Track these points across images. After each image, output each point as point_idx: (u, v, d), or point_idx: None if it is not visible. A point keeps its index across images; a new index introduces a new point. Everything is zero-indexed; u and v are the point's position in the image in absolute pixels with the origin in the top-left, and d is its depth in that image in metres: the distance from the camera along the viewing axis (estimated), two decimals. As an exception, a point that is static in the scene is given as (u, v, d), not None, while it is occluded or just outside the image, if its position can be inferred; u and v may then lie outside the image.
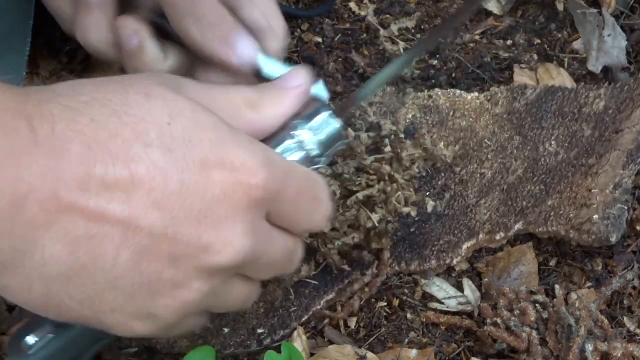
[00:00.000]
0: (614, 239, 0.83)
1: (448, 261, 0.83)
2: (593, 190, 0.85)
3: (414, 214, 0.77)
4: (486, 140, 0.89)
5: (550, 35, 1.02)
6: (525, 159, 0.88)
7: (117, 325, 0.51)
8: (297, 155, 0.60)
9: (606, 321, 0.78)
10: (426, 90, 0.92)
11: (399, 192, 0.75)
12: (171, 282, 0.50)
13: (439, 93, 0.92)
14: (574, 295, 0.82)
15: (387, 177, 0.75)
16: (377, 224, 0.74)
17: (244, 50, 0.61)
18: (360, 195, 0.74)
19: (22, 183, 0.44)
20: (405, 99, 0.91)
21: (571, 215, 0.84)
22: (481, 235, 0.84)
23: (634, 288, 0.84)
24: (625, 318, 0.82)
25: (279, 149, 0.59)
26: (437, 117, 0.90)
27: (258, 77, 0.62)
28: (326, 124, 0.61)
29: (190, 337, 0.76)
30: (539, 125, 0.90)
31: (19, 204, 0.44)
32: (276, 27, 0.63)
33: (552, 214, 0.84)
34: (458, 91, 0.93)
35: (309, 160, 0.60)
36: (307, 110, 0.61)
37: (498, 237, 0.85)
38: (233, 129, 0.52)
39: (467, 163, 0.88)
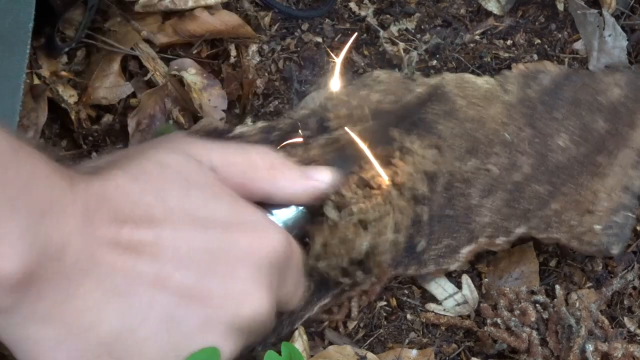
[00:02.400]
0: (615, 250, 0.81)
1: (445, 266, 0.81)
2: (599, 194, 0.82)
3: (401, 240, 0.76)
4: (494, 133, 0.84)
5: (550, 35, 1.02)
6: (533, 154, 0.83)
7: None
8: None
9: (606, 321, 0.78)
10: (433, 73, 0.89)
11: (393, 215, 0.74)
12: (203, 342, 0.52)
13: (447, 78, 0.86)
14: (574, 295, 0.82)
15: (387, 196, 0.73)
16: (367, 249, 0.73)
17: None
18: (354, 208, 0.71)
19: (61, 237, 0.48)
20: (412, 86, 0.85)
21: (573, 222, 0.81)
22: (481, 239, 0.81)
23: (634, 288, 0.84)
24: (625, 318, 0.82)
25: None
26: (444, 106, 0.84)
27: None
28: (294, 212, 0.67)
29: None
30: (550, 116, 0.85)
31: (61, 254, 0.48)
32: None
33: (555, 219, 0.81)
34: (467, 75, 0.88)
35: None
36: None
37: (498, 242, 0.82)
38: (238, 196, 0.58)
39: (472, 157, 0.83)
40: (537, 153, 0.84)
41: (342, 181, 0.69)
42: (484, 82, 0.87)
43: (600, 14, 1.00)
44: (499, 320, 0.77)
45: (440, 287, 0.83)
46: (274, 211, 0.64)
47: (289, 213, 0.66)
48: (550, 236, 0.82)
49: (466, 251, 0.81)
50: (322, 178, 0.65)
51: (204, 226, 0.52)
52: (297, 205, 0.66)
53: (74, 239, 0.47)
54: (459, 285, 0.84)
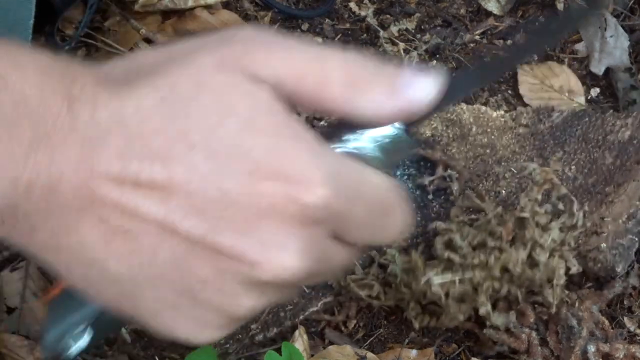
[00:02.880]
0: (619, 269, 0.82)
1: None
2: (606, 219, 0.84)
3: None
4: (505, 160, 0.88)
5: (550, 36, 1.02)
6: None
7: (164, 328, 0.48)
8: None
9: (607, 322, 0.78)
10: (451, 104, 0.92)
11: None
12: (218, 293, 0.46)
13: (464, 107, 0.91)
14: (574, 296, 0.82)
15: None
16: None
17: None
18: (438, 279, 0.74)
19: (56, 169, 0.43)
20: None
21: (580, 241, 0.83)
22: None
23: (634, 288, 0.84)
24: (625, 318, 0.82)
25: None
26: (458, 131, 0.89)
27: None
28: (390, 130, 0.49)
29: None
30: (560, 149, 0.89)
31: (53, 188, 0.43)
32: None
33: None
34: (483, 107, 0.92)
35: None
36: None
37: None
38: (300, 132, 0.45)
39: (483, 180, 0.87)
40: None
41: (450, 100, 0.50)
42: (498, 115, 0.91)
43: (602, 14, 1.00)
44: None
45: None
46: (365, 133, 0.49)
47: (384, 134, 0.49)
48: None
49: None
50: (419, 94, 0.48)
51: (226, 170, 0.44)
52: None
53: (69, 174, 0.43)
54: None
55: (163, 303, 0.47)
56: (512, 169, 0.87)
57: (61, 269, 0.46)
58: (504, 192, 0.86)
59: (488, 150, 0.88)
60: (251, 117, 0.44)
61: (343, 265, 0.49)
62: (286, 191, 0.44)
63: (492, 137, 0.89)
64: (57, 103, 0.43)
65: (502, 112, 0.92)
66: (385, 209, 0.48)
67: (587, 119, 0.91)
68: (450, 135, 0.88)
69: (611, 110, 0.95)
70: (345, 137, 0.49)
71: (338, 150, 0.49)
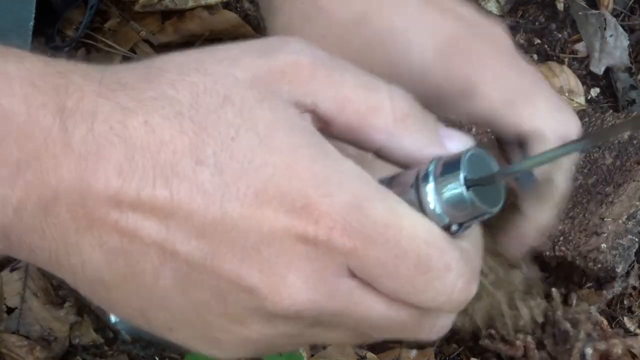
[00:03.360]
0: (619, 269, 0.82)
1: None
2: (606, 219, 0.84)
3: None
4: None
5: (550, 35, 1.02)
6: None
7: (181, 343, 0.46)
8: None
9: (605, 322, 0.78)
10: None
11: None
12: (224, 316, 0.44)
13: None
14: (573, 295, 0.82)
15: None
16: None
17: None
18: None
19: (48, 189, 0.41)
20: None
21: (580, 241, 0.83)
22: None
23: (634, 288, 0.84)
24: (625, 318, 0.81)
25: None
26: None
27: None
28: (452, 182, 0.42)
29: None
30: None
31: (47, 209, 0.41)
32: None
33: (562, 238, 0.84)
34: None
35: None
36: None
37: None
38: (325, 154, 0.42)
39: None
40: None
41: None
42: None
43: (602, 14, 1.00)
44: (492, 331, 0.77)
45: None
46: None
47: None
48: (557, 254, 0.84)
49: None
50: (456, 146, 0.45)
51: (231, 189, 0.41)
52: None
53: (63, 194, 0.40)
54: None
55: (173, 323, 0.45)
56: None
57: (69, 282, 0.45)
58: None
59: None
60: (270, 134, 0.41)
61: (381, 318, 0.44)
62: (289, 219, 0.41)
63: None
64: (46, 118, 0.41)
65: None
66: (422, 265, 0.42)
67: (586, 119, 0.91)
68: None
69: (611, 111, 0.95)
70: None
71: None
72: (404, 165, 0.45)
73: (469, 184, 0.42)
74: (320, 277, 0.42)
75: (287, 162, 0.41)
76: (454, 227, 0.43)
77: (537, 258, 0.85)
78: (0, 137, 0.40)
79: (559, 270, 0.86)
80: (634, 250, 0.84)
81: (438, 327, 0.45)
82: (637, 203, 0.85)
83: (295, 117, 0.42)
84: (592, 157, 0.89)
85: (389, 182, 0.44)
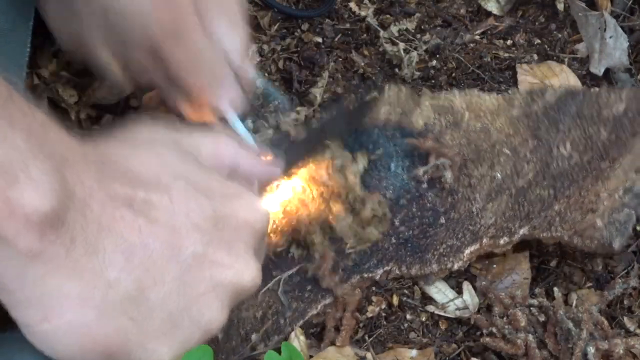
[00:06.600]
0: (616, 245, 0.82)
1: (449, 265, 0.82)
2: (601, 194, 0.83)
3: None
4: (500, 143, 0.87)
5: (550, 35, 1.02)
6: (537, 161, 0.86)
7: (150, 355, 0.52)
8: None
9: (606, 322, 0.78)
10: (443, 92, 0.91)
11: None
12: (208, 308, 0.53)
13: (456, 93, 0.90)
14: (573, 295, 0.82)
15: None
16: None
17: (228, 105, 0.69)
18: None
19: (83, 187, 0.47)
20: (421, 100, 0.89)
21: (576, 220, 0.82)
22: (484, 240, 0.82)
23: (634, 288, 0.84)
24: (625, 318, 0.81)
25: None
26: (451, 118, 0.88)
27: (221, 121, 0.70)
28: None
29: None
30: (555, 128, 0.88)
31: (83, 206, 0.46)
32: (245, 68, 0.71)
33: (557, 219, 0.83)
34: (476, 91, 0.91)
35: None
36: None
37: (502, 242, 0.83)
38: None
39: (478, 165, 0.86)
40: (541, 161, 0.87)
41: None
42: (491, 98, 0.90)
43: (602, 15, 1.00)
44: (494, 330, 0.77)
45: (441, 293, 0.83)
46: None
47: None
48: (553, 235, 0.83)
49: (469, 251, 0.82)
50: (275, 167, 0.68)
51: (207, 195, 0.53)
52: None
53: (95, 193, 0.47)
54: (459, 290, 0.84)
55: (166, 328, 0.51)
56: (507, 151, 0.87)
57: (77, 300, 0.48)
58: (499, 175, 0.86)
59: (482, 135, 0.87)
60: (195, 159, 0.57)
61: None
62: (251, 209, 0.56)
63: (486, 121, 0.88)
64: (71, 136, 0.49)
65: (495, 95, 0.91)
66: None
67: (581, 95, 0.90)
68: (443, 123, 0.88)
69: (605, 84, 0.95)
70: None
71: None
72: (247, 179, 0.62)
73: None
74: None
75: (219, 176, 0.58)
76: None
77: (535, 242, 0.85)
78: (47, 137, 0.47)
79: (559, 271, 0.86)
80: (630, 225, 0.83)
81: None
82: (634, 176, 0.84)
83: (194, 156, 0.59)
84: (587, 134, 0.88)
85: None
